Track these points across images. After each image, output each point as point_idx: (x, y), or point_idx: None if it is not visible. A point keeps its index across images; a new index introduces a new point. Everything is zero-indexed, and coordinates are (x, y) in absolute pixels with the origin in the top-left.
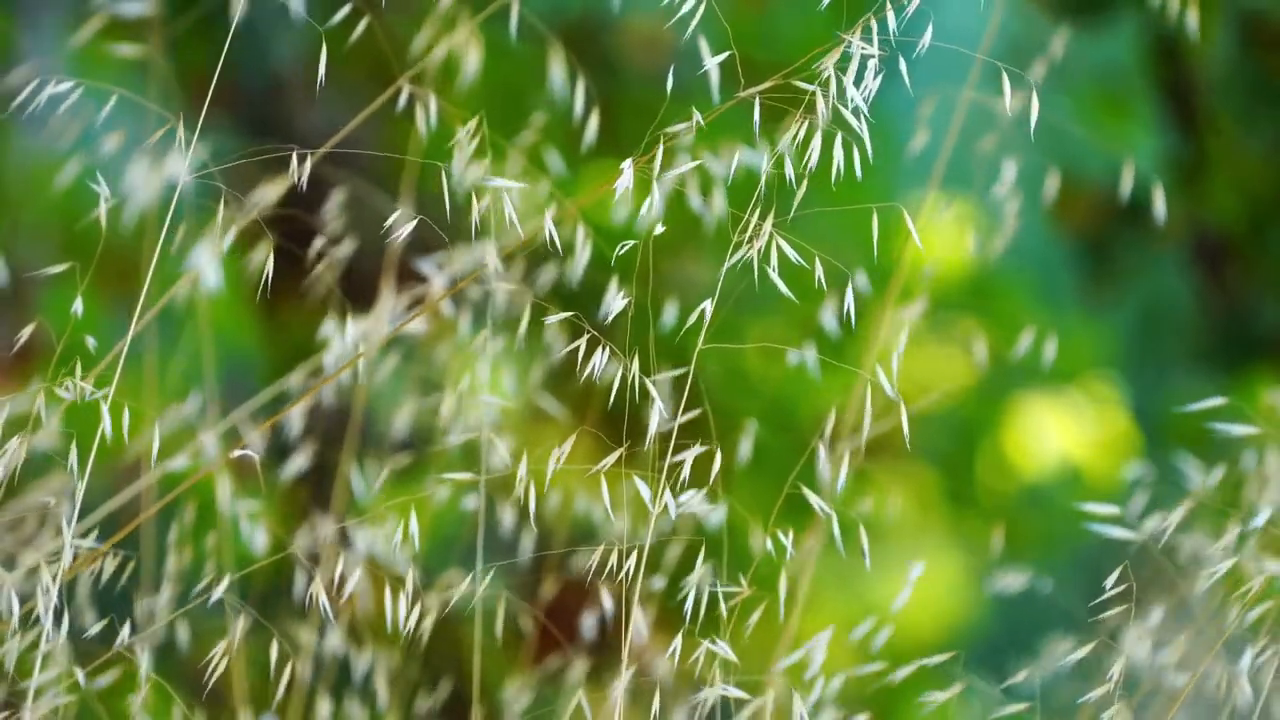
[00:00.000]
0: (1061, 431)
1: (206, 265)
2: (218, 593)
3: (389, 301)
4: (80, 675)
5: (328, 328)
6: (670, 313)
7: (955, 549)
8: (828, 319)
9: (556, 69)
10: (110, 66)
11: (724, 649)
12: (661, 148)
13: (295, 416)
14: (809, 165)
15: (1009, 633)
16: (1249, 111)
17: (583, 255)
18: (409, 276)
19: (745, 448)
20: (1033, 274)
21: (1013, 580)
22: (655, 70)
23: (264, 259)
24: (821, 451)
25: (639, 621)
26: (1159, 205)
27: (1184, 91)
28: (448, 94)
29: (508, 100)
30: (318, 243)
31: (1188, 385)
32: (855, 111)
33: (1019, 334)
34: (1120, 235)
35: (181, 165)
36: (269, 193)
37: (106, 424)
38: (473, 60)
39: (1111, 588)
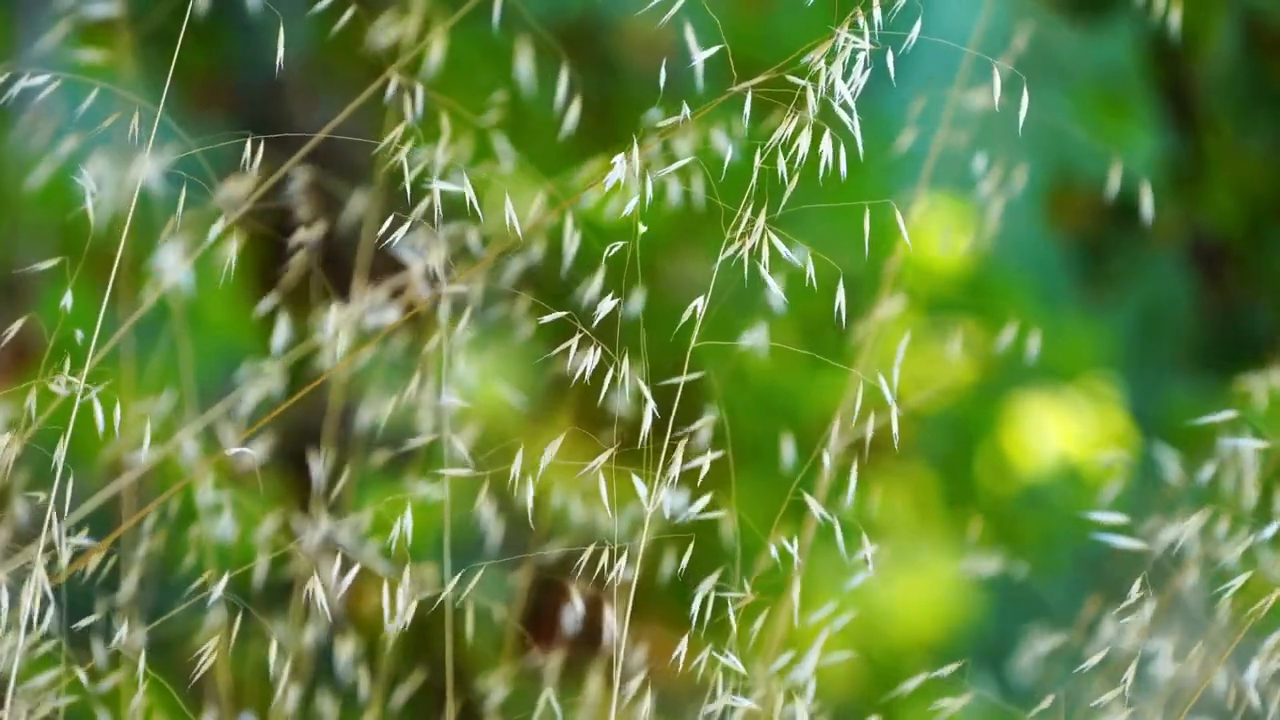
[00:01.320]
0: (1060, 431)
1: (174, 263)
2: (217, 592)
3: (368, 293)
4: (82, 675)
5: (311, 320)
6: (666, 311)
7: (954, 549)
8: (780, 300)
9: (552, 65)
10: (99, 68)
11: (734, 661)
12: (656, 142)
13: (277, 411)
14: (799, 160)
15: (1008, 633)
16: (1248, 113)
17: (571, 250)
18: (393, 269)
19: (746, 448)
20: (1031, 274)
21: (987, 565)
22: (654, 71)
23: (254, 256)
24: (825, 457)
25: (627, 621)
26: (1146, 205)
27: (1183, 93)
28: (437, 88)
29: (513, 105)
30: (300, 236)
31: (1185, 387)
32: (844, 106)
33: (1018, 334)
34: (1117, 237)
35: (161, 163)
36: (254, 188)
37: (100, 420)
38: (437, 50)
39: (1112, 591)
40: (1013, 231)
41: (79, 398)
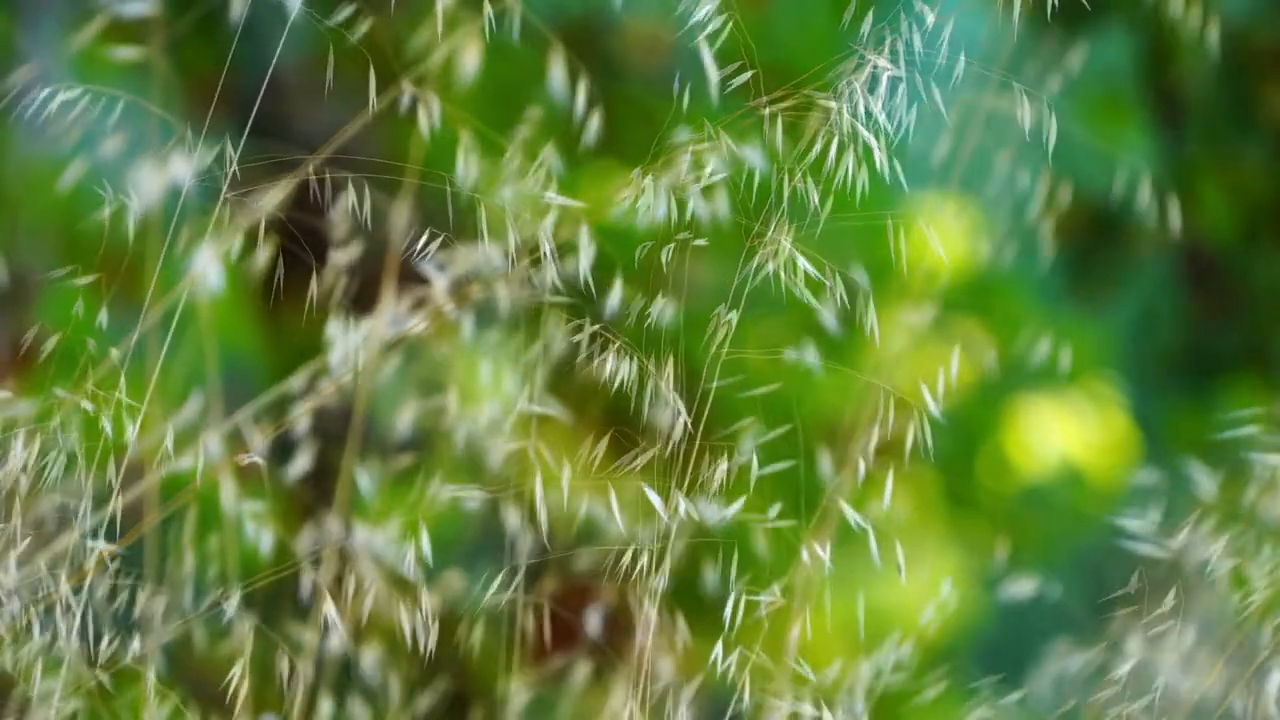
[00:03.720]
0: (1062, 432)
1: (208, 266)
2: (230, 606)
3: (392, 303)
4: (102, 679)
5: (332, 329)
6: (678, 316)
7: (955, 549)
8: (832, 321)
9: (557, 70)
10: (111, 67)
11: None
12: (683, 157)
13: (299, 418)
14: (831, 180)
15: (1008, 632)
16: (1235, 127)
17: (585, 258)
18: (412, 278)
19: (756, 450)
20: (1032, 274)
21: (1021, 587)
22: (656, 71)
23: (266, 261)
24: (860, 464)
25: (650, 624)
26: (1175, 216)
27: (1173, 103)
28: (448, 94)
29: (509, 101)
30: (321, 246)
31: (1172, 397)
32: (875, 130)
33: (1020, 333)
34: (1108, 244)
35: (184, 168)
36: (273, 196)
37: (108, 426)
38: (471, 60)
39: (1121, 593)
40: (1015, 233)
41: (120, 404)
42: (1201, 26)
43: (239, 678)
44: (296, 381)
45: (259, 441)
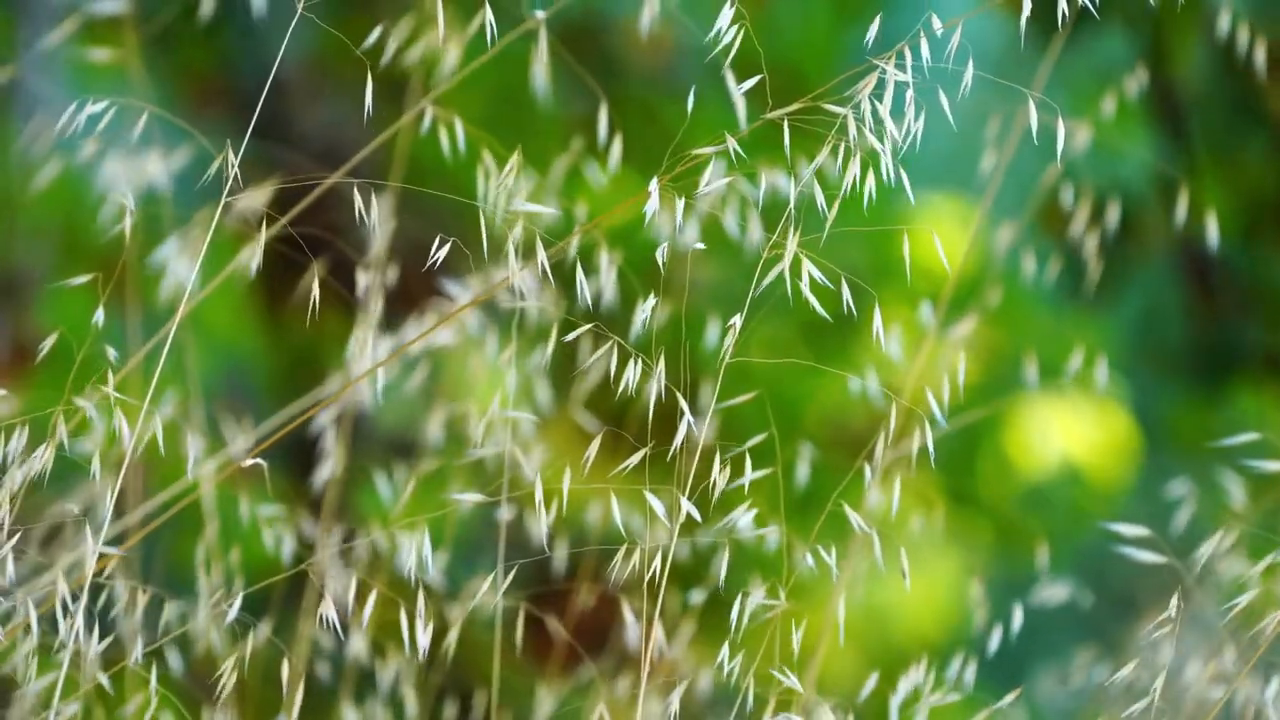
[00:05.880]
0: (1063, 431)
1: (178, 261)
2: (233, 612)
3: (398, 314)
4: (103, 681)
5: (352, 339)
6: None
7: (956, 548)
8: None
9: (571, 81)
10: (106, 69)
11: (793, 681)
12: (685, 168)
13: (315, 426)
14: (843, 190)
15: (1011, 632)
16: (1233, 127)
17: (609, 271)
18: (429, 290)
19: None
20: (1028, 276)
21: (1054, 593)
22: (657, 71)
23: (272, 266)
24: (867, 471)
25: (658, 627)
26: (1214, 226)
27: (1172, 107)
28: (453, 98)
29: (518, 108)
30: (327, 251)
31: (1174, 399)
32: (889, 142)
33: (1020, 333)
34: (1111, 243)
35: (174, 167)
36: (292, 210)
37: (124, 428)
38: (452, 56)
39: (1127, 599)
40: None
41: (118, 403)
42: (1250, 42)
43: (231, 677)
44: (314, 389)
45: (264, 445)
